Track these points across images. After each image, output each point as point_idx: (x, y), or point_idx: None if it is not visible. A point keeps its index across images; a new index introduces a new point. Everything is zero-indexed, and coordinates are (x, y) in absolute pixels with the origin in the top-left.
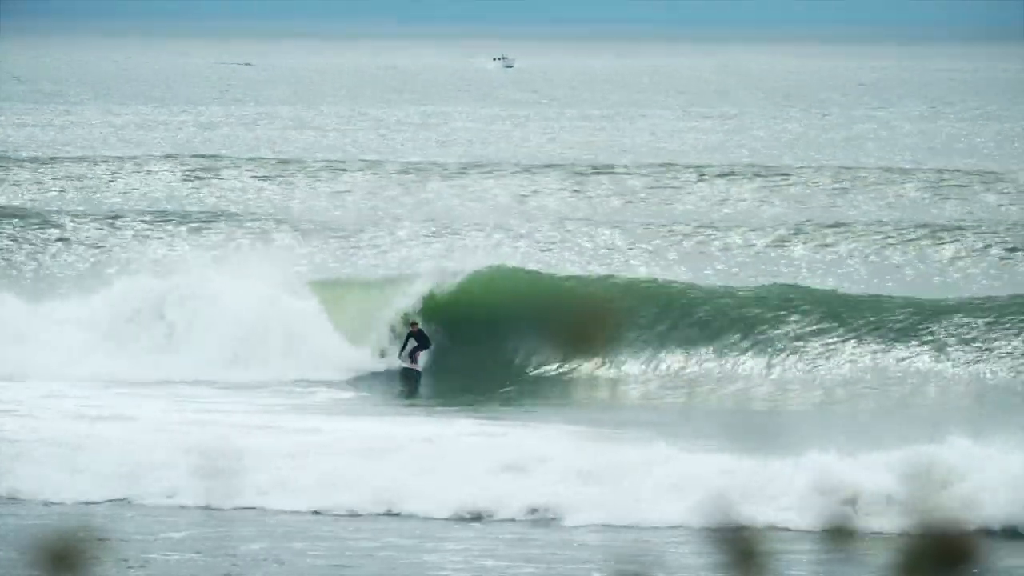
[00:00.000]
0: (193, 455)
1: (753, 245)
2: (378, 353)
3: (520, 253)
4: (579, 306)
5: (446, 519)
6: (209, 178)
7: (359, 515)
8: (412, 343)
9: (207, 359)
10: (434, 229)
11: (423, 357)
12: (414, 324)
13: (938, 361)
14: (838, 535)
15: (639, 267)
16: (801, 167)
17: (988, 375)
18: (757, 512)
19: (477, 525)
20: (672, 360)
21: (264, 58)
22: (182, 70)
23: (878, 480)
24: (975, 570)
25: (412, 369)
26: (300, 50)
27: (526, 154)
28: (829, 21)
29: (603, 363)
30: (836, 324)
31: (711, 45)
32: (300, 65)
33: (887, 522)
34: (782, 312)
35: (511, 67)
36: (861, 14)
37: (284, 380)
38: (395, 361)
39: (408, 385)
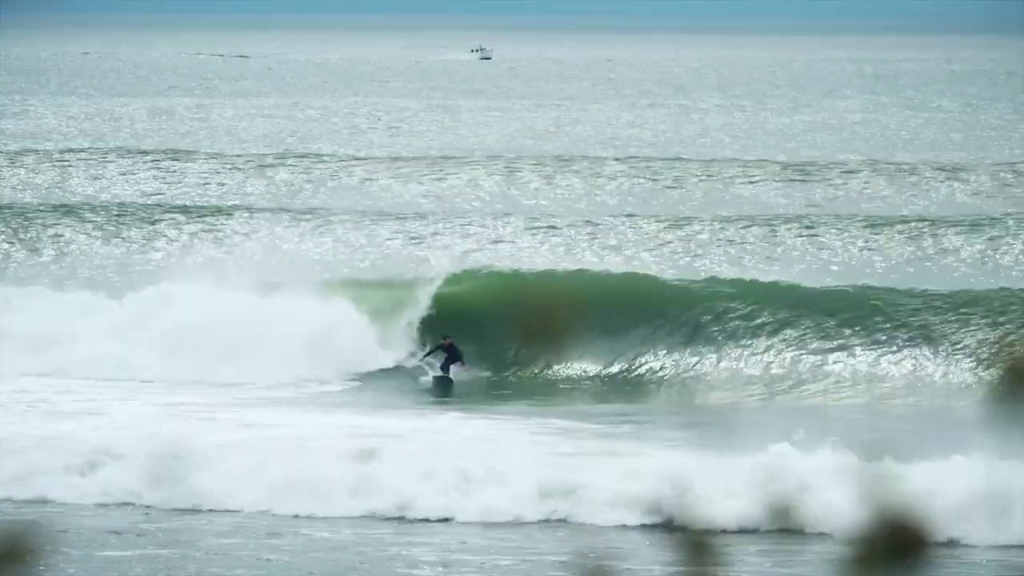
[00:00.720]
0: (158, 452)
1: (714, 238)
2: (369, 354)
3: (480, 250)
4: (541, 304)
5: (415, 519)
6: (185, 172)
7: (331, 513)
8: (440, 356)
9: (183, 355)
10: (398, 224)
11: (454, 368)
12: (447, 339)
13: (898, 356)
14: (792, 531)
15: (592, 260)
16: (754, 158)
17: (949, 371)
18: (712, 509)
19: (448, 523)
20: (631, 357)
21: (237, 49)
22: (163, 62)
23: (832, 476)
24: (925, 564)
25: (458, 373)
26: (277, 41)
27: (479, 144)
28: (826, 14)
29: (567, 361)
30: (793, 318)
31: (697, 37)
32: (280, 57)
33: (840, 518)
34: (746, 308)
35: (488, 59)
36: (859, 8)
37: (262, 379)
38: (381, 360)
39: (389, 384)
